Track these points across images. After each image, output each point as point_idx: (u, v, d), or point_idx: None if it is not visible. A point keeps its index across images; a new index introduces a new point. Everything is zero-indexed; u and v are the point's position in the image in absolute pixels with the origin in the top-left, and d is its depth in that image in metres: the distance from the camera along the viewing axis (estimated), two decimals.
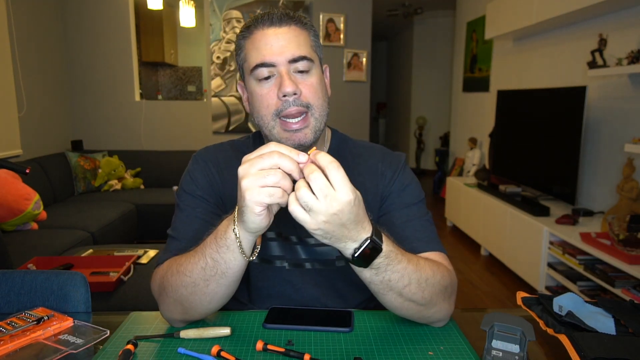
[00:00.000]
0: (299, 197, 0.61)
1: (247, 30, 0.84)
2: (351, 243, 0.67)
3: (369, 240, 0.67)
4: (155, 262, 0.96)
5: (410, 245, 0.85)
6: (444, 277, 0.79)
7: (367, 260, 0.68)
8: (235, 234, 0.69)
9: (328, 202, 0.61)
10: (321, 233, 0.64)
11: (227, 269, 0.72)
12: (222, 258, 0.71)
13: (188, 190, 0.91)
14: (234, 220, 0.69)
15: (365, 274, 0.71)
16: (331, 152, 0.96)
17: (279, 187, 0.62)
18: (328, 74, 0.92)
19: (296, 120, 0.82)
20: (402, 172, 0.95)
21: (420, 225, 0.90)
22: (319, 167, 0.62)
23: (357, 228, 0.66)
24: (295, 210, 0.62)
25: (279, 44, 0.81)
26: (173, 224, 0.90)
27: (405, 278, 0.73)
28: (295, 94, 0.80)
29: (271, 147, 0.64)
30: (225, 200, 0.91)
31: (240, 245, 0.69)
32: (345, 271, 0.92)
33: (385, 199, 0.93)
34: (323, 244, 0.91)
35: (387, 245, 0.70)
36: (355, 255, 0.67)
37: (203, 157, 0.95)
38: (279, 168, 0.62)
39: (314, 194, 0.61)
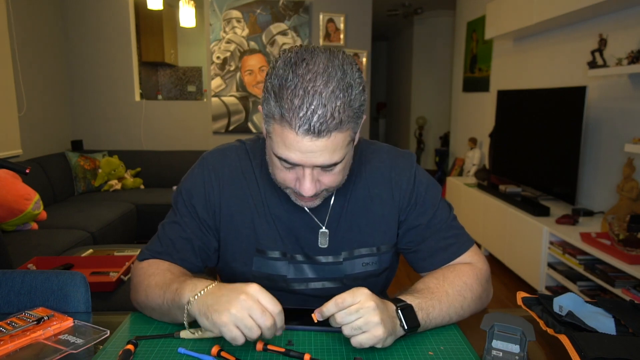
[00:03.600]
0: (348, 329, 0.69)
1: (280, 113, 0.70)
2: (397, 322, 0.74)
3: (398, 309, 0.75)
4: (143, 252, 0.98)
5: (441, 257, 0.91)
6: (473, 286, 0.86)
7: (413, 322, 0.75)
8: (187, 311, 0.73)
9: (363, 309, 0.69)
10: (389, 329, 0.71)
11: (176, 319, 0.78)
12: (173, 312, 0.78)
13: (185, 196, 0.92)
14: (196, 297, 0.71)
15: (419, 330, 0.78)
16: None
17: (243, 332, 0.67)
18: (357, 137, 0.82)
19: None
20: (416, 178, 0.93)
21: (446, 231, 0.92)
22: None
23: (387, 307, 0.73)
24: (360, 339, 0.69)
25: (312, 154, 0.72)
26: (164, 224, 0.94)
27: (445, 316, 0.81)
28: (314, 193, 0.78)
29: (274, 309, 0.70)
30: (216, 209, 0.91)
31: (188, 315, 0.73)
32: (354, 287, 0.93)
33: (405, 211, 0.92)
34: (333, 263, 0.91)
35: (411, 300, 0.78)
36: (407, 328, 0.74)
37: (209, 166, 0.92)
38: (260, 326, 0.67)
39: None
